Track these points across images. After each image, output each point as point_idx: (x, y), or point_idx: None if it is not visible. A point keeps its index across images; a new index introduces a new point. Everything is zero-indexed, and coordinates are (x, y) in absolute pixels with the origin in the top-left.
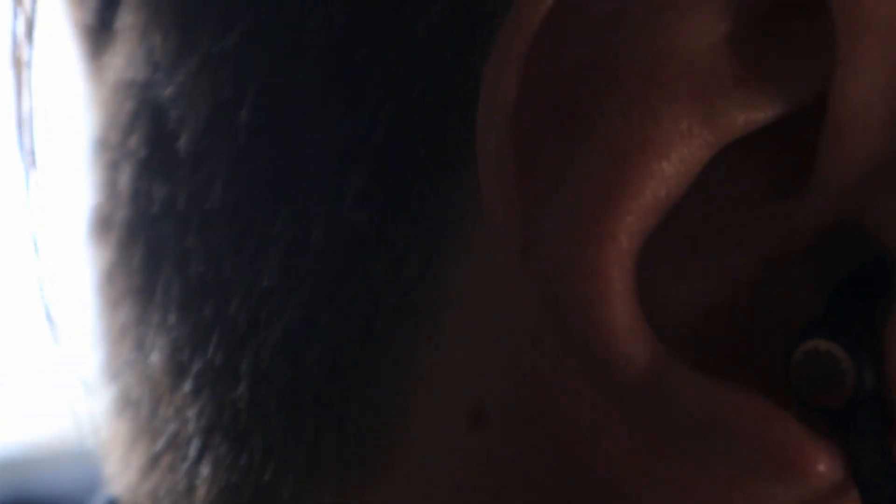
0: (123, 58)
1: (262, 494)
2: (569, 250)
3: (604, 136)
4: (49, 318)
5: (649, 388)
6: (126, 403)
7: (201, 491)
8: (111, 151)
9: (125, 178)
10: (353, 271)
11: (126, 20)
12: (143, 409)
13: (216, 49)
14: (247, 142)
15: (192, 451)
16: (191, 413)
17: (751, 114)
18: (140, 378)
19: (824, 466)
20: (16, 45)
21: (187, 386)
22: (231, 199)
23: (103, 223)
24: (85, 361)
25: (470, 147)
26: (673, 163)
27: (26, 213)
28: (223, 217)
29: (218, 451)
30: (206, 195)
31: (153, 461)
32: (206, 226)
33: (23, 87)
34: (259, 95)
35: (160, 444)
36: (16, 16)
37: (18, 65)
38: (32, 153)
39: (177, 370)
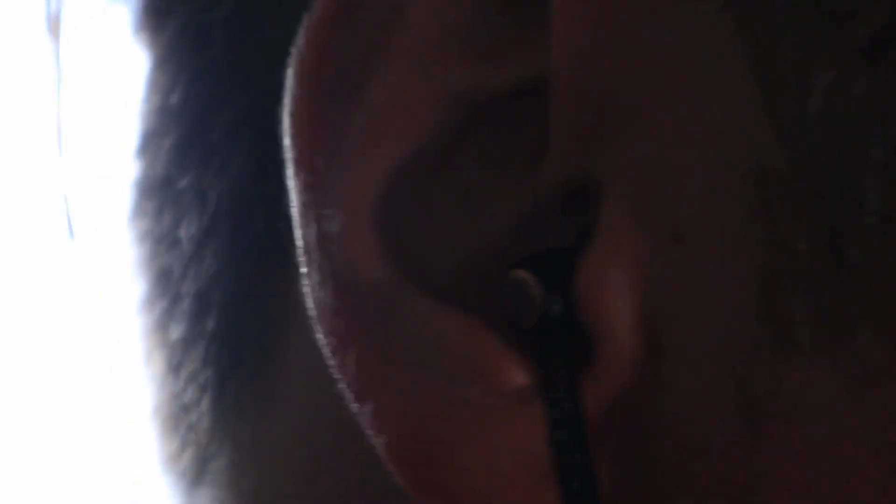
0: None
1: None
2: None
3: (370, 101)
4: None
5: (385, 306)
6: None
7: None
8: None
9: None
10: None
11: None
12: None
13: None
14: None
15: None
16: None
17: (491, 82)
18: None
19: (512, 377)
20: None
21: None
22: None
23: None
24: None
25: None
26: (427, 126)
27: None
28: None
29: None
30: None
31: None
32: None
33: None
34: None
35: None
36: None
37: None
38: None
39: None
